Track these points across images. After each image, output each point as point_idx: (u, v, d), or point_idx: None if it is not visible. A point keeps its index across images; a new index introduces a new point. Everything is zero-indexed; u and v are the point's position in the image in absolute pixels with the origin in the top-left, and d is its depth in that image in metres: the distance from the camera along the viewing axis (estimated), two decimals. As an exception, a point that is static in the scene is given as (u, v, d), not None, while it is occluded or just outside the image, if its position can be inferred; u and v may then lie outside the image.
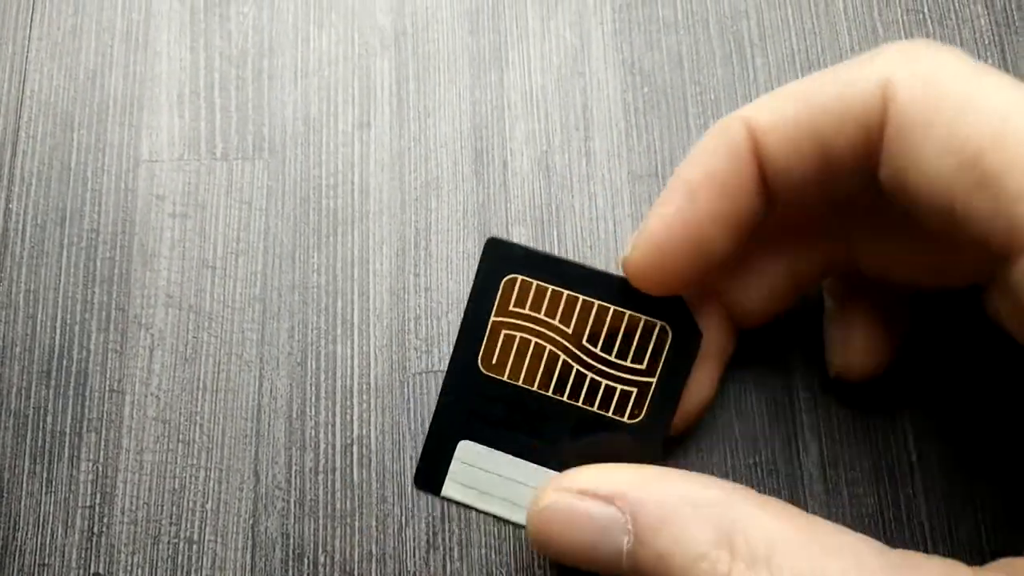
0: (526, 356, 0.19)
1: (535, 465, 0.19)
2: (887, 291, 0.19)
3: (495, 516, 0.20)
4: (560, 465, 0.19)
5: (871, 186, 0.15)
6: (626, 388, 0.19)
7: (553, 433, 0.19)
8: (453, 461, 0.20)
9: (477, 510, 0.20)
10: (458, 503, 0.20)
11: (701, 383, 0.19)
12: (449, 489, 0.20)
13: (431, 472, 0.20)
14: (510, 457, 0.19)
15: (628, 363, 0.19)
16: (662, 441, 0.19)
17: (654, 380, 0.19)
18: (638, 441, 0.19)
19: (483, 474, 0.19)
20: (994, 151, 0.13)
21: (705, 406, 0.20)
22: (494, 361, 0.19)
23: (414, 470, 0.21)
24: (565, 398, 0.19)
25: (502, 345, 0.19)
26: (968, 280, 0.17)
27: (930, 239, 0.17)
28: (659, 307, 0.18)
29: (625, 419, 0.19)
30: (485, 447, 0.19)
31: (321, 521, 0.20)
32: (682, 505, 0.15)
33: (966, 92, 0.14)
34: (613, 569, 0.16)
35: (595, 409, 0.19)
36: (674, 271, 0.17)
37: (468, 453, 0.20)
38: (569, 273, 0.19)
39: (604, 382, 0.19)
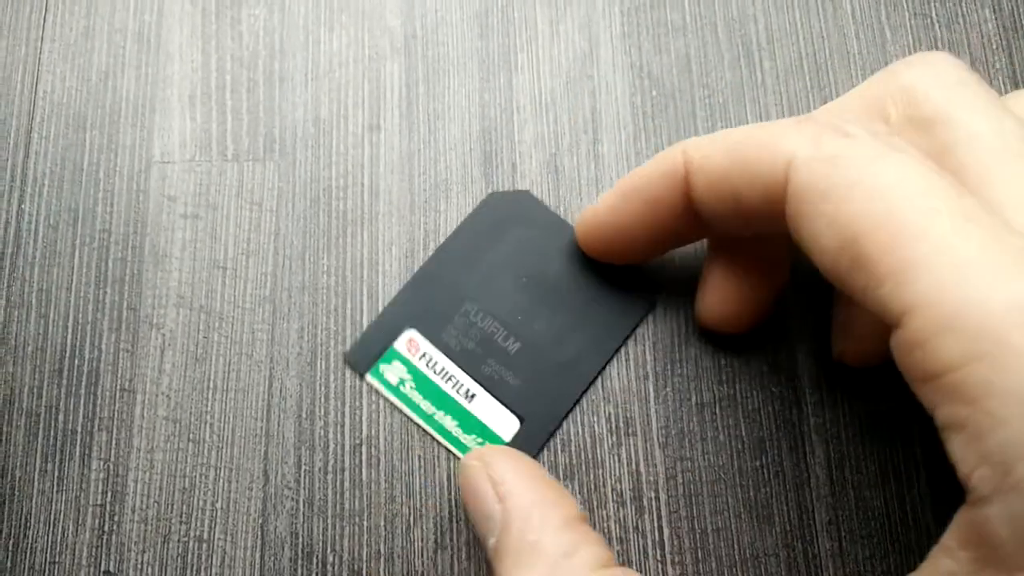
0: None
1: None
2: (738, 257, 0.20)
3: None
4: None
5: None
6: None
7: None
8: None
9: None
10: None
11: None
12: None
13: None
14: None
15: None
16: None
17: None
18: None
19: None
20: (868, 235, 0.14)
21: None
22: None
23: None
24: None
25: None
26: None
27: None
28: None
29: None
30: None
31: (330, 520, 0.21)
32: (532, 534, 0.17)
33: (857, 177, 0.14)
34: (487, 555, 0.18)
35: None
36: (605, 249, 0.21)
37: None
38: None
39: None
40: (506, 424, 0.21)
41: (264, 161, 0.23)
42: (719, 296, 0.20)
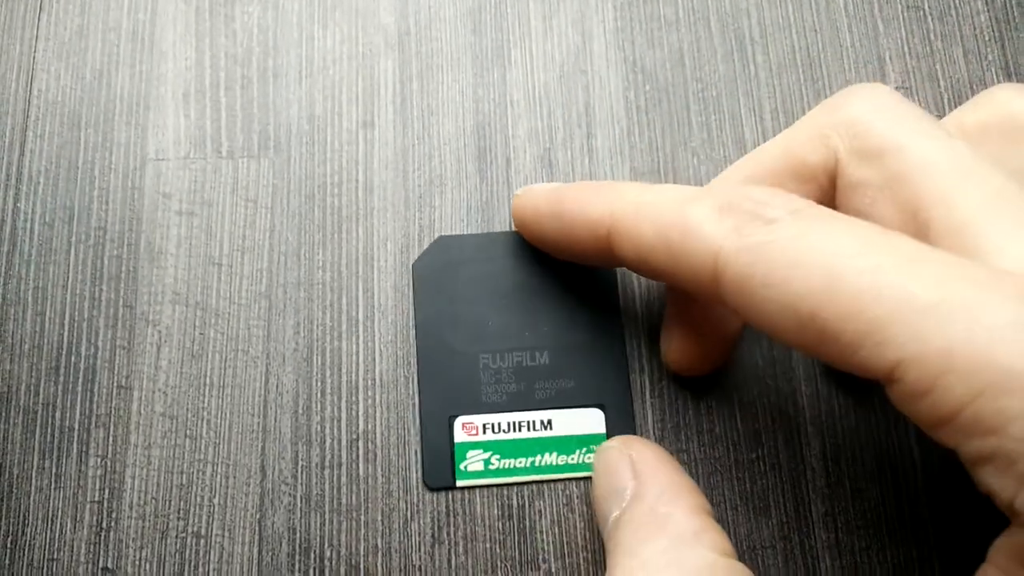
0: None
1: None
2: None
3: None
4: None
5: None
6: None
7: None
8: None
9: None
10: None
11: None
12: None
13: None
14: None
15: None
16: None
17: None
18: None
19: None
20: (823, 310, 0.14)
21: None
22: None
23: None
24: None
25: None
26: None
27: None
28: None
29: None
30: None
31: (327, 516, 0.21)
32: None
33: (792, 258, 0.14)
34: (603, 531, 0.18)
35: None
36: (534, 242, 0.22)
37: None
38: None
39: None
40: (594, 421, 0.21)
41: (259, 158, 0.23)
42: (678, 344, 0.20)
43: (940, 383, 0.12)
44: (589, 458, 0.21)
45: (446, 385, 0.21)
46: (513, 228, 0.22)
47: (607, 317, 0.22)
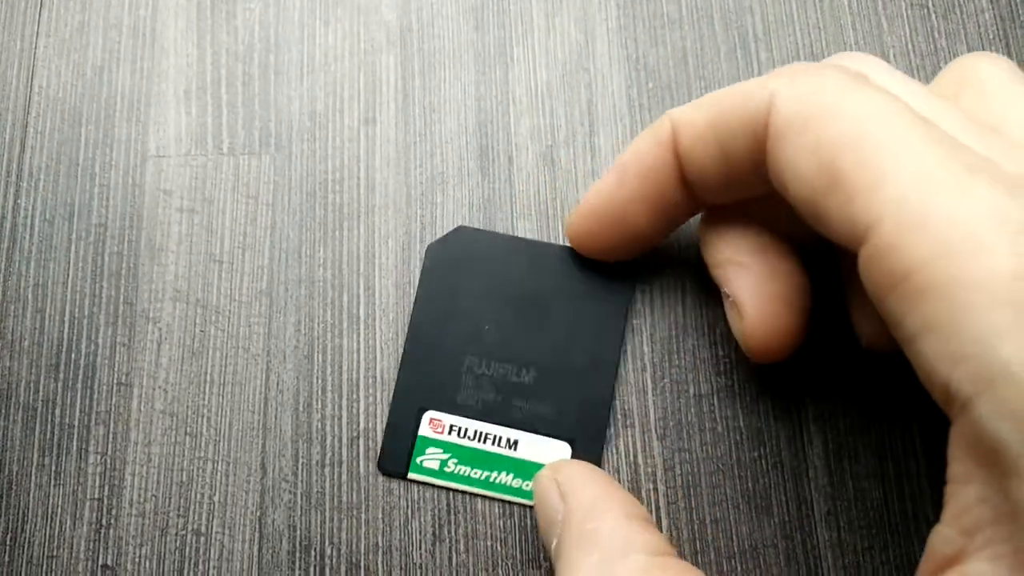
0: None
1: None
2: (773, 255, 0.20)
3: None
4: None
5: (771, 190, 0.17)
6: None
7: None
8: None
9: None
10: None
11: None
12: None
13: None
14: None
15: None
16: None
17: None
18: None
19: (450, 446, 0.21)
20: (845, 155, 0.14)
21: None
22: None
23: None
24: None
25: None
26: None
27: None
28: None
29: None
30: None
31: (328, 513, 0.20)
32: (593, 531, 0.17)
33: (836, 103, 0.15)
34: (551, 558, 0.17)
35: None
36: (605, 238, 0.20)
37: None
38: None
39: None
40: (559, 453, 0.20)
41: (260, 155, 0.23)
42: (756, 320, 0.19)
43: (907, 238, 0.13)
44: None
45: (426, 374, 0.21)
46: (566, 242, 0.21)
47: (606, 351, 0.21)
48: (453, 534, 0.20)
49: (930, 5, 0.24)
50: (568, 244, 0.21)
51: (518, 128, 0.23)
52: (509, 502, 0.20)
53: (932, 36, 0.24)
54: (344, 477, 0.21)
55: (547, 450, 0.20)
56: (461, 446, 0.20)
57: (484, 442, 0.20)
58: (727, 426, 0.21)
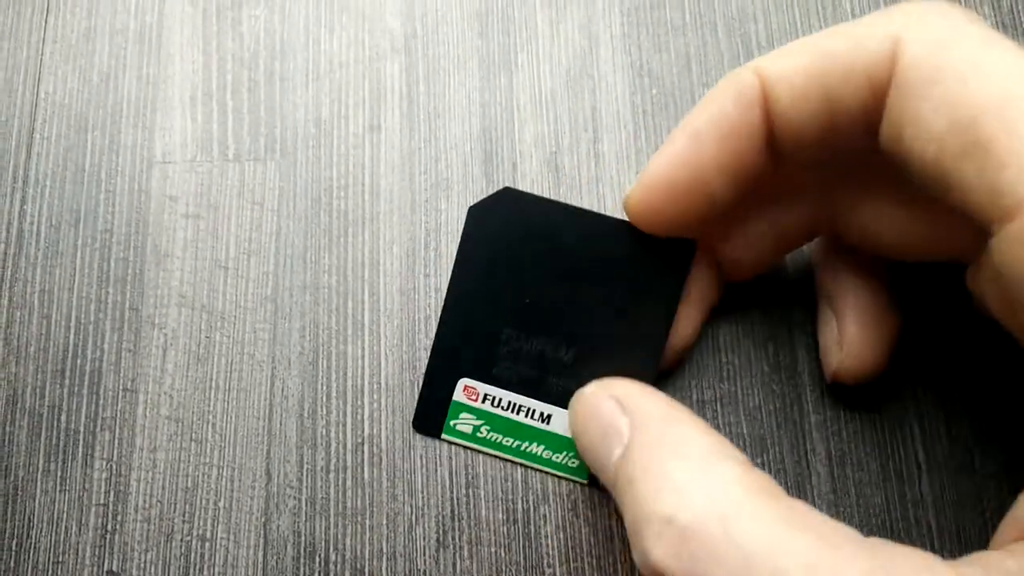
0: None
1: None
2: (876, 287, 0.19)
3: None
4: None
5: (871, 145, 0.16)
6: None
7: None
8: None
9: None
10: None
11: (684, 326, 0.20)
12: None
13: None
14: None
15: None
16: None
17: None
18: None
19: (483, 414, 0.21)
20: (990, 117, 0.13)
21: (686, 348, 0.21)
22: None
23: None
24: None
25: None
26: (954, 254, 0.17)
27: (920, 207, 0.17)
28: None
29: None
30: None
31: (332, 519, 0.21)
32: (673, 449, 0.15)
33: (975, 57, 0.13)
34: (605, 478, 0.16)
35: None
36: (673, 211, 0.17)
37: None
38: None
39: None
40: None
41: (265, 161, 0.23)
42: (852, 348, 0.19)
43: None
44: (574, 462, 0.20)
45: (463, 341, 0.20)
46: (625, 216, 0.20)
47: (652, 333, 0.20)
48: (457, 540, 0.20)
49: (933, 13, 0.24)
50: (621, 217, 0.19)
51: (522, 134, 0.23)
52: (538, 470, 0.21)
53: (935, 44, 0.24)
54: (349, 483, 0.21)
55: None
56: (494, 414, 0.21)
57: (517, 413, 0.20)
58: (730, 433, 0.21)
